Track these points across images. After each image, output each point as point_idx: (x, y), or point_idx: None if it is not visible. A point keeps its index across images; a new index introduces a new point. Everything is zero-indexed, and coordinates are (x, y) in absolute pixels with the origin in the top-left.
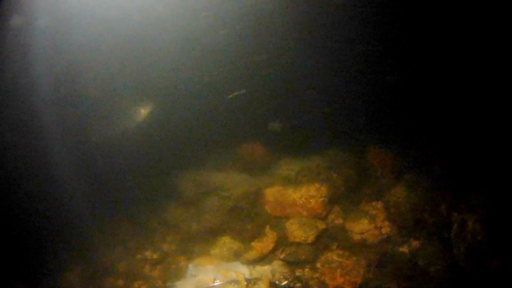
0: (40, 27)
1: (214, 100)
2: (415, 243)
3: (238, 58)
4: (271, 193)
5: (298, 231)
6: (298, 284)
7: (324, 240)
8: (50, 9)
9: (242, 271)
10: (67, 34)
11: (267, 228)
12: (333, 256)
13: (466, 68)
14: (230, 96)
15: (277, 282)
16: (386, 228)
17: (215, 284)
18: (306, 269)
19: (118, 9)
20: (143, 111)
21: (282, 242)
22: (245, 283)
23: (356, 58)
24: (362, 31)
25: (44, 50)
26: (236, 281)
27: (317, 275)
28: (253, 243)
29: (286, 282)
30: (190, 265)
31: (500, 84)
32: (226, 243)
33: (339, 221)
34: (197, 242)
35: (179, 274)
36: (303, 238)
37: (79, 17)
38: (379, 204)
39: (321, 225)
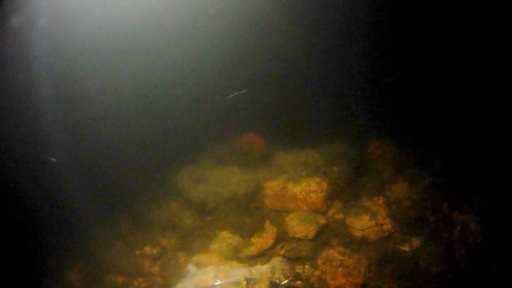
0: (40, 27)
1: (212, 96)
2: (416, 242)
3: (238, 55)
4: (271, 187)
5: (298, 226)
6: (299, 282)
7: (325, 236)
8: (50, 9)
9: (242, 270)
10: (67, 34)
11: (267, 223)
12: (334, 253)
13: (472, 68)
14: (230, 96)
15: (277, 281)
16: (388, 225)
17: (215, 284)
18: (307, 266)
19: (118, 9)
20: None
21: (282, 237)
22: (245, 282)
23: (358, 54)
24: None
25: (44, 50)
26: (236, 281)
27: (317, 272)
28: (252, 239)
29: (286, 281)
30: (189, 265)
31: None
32: (226, 238)
33: (340, 216)
34: (196, 237)
35: (178, 271)
36: (303, 233)
37: (79, 17)
38: (380, 200)
39: (322, 221)
